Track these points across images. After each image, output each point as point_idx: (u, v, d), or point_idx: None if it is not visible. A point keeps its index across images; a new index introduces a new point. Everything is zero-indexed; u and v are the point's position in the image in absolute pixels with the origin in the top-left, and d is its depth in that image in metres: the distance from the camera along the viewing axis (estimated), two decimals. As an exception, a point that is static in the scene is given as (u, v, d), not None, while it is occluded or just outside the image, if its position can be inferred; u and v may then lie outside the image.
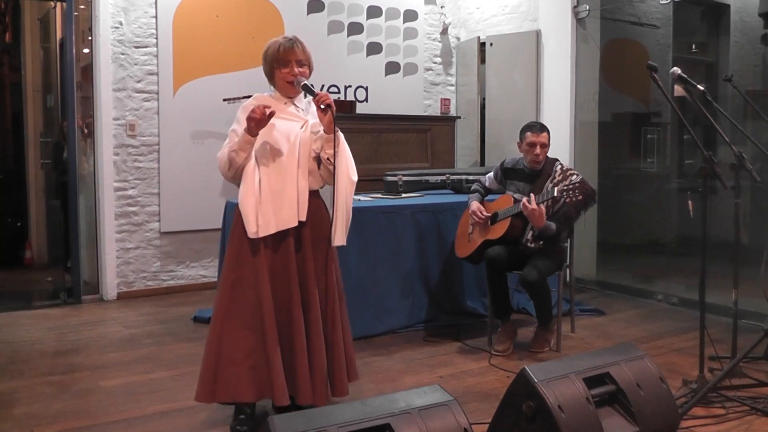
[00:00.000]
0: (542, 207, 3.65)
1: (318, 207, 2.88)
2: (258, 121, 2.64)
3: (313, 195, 2.86)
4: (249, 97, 2.99)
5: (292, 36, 2.88)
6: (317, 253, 2.86)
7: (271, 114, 2.66)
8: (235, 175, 2.78)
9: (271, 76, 2.89)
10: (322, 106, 2.68)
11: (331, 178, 2.78)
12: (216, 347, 2.76)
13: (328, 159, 2.76)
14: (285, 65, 2.81)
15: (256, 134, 2.69)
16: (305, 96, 2.90)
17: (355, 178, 2.82)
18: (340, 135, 2.74)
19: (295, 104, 2.88)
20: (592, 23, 5.72)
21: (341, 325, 2.89)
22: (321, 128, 2.78)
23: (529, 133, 3.95)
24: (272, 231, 2.74)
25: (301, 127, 2.81)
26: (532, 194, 3.70)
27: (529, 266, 3.78)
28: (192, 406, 3.12)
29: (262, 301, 2.74)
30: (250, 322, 2.75)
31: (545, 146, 3.95)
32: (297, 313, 2.77)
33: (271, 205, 2.74)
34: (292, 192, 2.75)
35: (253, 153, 2.75)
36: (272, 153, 2.76)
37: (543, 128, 3.98)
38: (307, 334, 2.80)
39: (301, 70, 2.82)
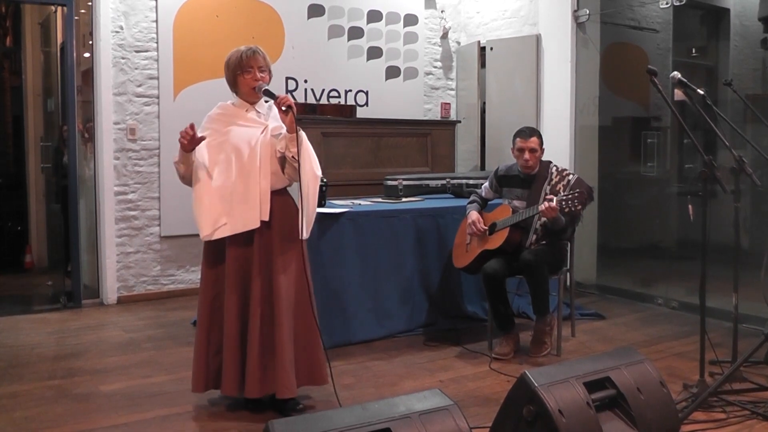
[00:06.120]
0: (556, 206, 3.61)
1: (285, 204, 3.01)
2: (186, 143, 2.89)
3: (279, 193, 3.00)
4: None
5: (253, 45, 3.03)
6: (285, 249, 2.97)
7: (201, 138, 2.90)
8: (186, 179, 3.00)
9: (233, 84, 3.04)
10: (284, 108, 2.82)
11: (296, 174, 2.90)
12: (203, 342, 3.03)
13: (292, 157, 2.87)
14: (248, 71, 2.96)
15: (191, 150, 2.90)
16: (266, 101, 3.05)
17: (319, 173, 2.95)
18: (302, 134, 2.87)
19: (256, 110, 3.02)
20: (592, 27, 5.73)
21: (305, 322, 3.00)
22: (282, 130, 2.91)
23: (518, 139, 3.97)
24: (228, 233, 2.90)
25: (262, 132, 2.95)
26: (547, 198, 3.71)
27: (527, 251, 3.81)
28: (192, 410, 3.12)
29: (228, 301, 2.93)
30: (221, 320, 2.98)
31: (534, 151, 3.93)
32: (255, 311, 2.92)
33: (235, 208, 2.89)
34: (254, 194, 2.89)
35: (196, 163, 2.95)
36: (235, 158, 2.91)
37: (532, 133, 3.96)
38: (277, 329, 2.93)
39: (262, 75, 2.98)
